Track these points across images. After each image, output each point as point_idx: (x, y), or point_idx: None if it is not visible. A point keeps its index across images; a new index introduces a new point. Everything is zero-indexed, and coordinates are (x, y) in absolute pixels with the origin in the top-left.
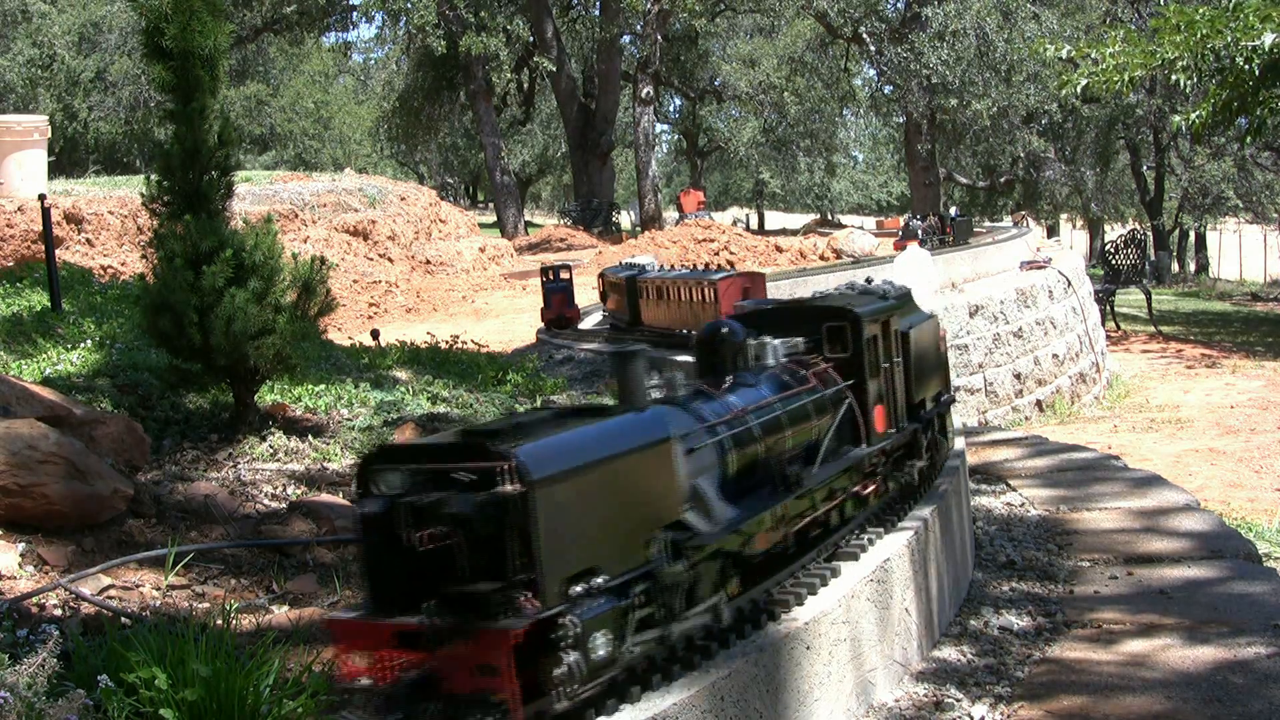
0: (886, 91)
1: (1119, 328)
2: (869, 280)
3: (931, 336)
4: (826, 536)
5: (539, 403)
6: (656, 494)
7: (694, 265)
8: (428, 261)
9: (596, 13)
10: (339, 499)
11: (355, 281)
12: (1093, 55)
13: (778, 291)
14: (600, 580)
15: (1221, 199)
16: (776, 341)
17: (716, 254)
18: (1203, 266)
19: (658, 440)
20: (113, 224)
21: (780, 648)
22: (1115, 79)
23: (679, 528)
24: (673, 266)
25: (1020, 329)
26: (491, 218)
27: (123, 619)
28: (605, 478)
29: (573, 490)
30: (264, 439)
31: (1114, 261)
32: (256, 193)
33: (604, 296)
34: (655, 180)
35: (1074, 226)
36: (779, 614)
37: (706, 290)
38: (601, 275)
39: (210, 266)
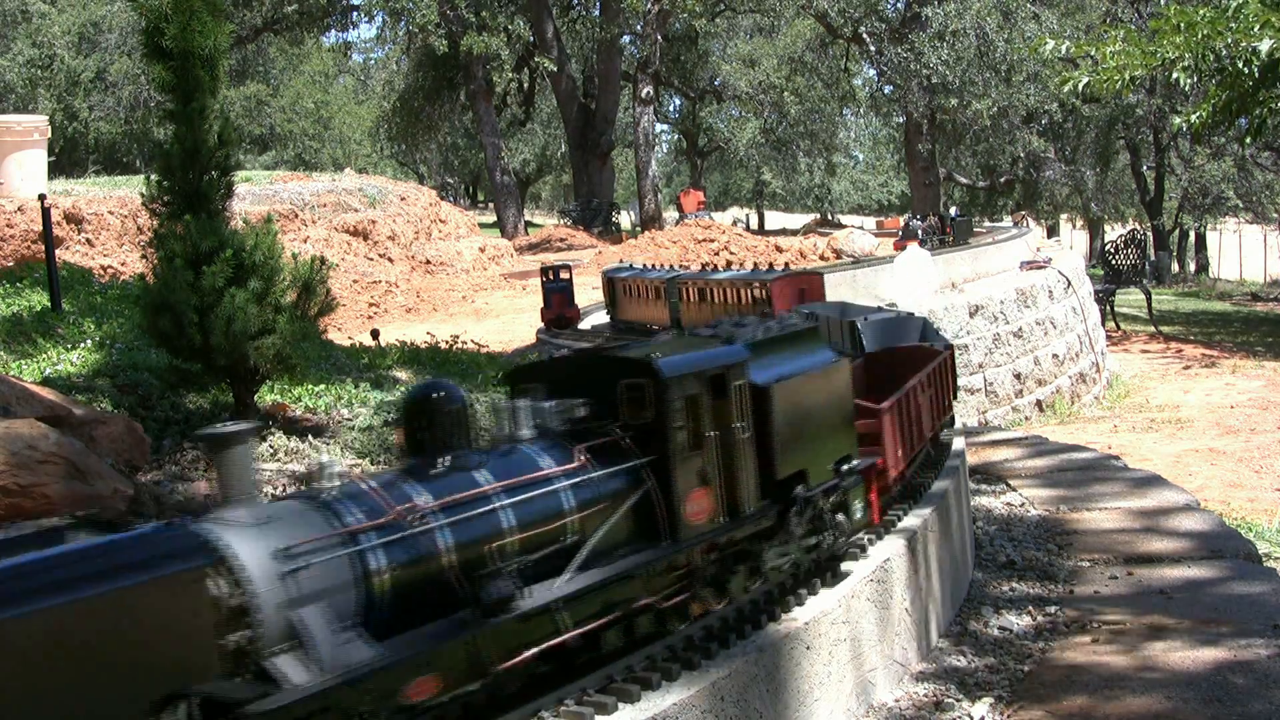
0: (886, 91)
1: (1119, 328)
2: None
3: (829, 386)
4: (600, 665)
5: None
6: (163, 648)
7: (721, 265)
8: (428, 261)
9: (596, 13)
10: None
11: (355, 281)
12: (1093, 55)
13: (836, 293)
14: None
15: (1221, 199)
16: (549, 404)
17: (716, 254)
18: (1203, 266)
19: (169, 572)
20: (113, 224)
21: (780, 648)
22: (1116, 78)
23: (260, 680)
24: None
25: (1020, 329)
26: (491, 218)
27: None
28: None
29: None
30: (264, 439)
31: (1114, 261)
32: (256, 193)
33: (614, 301)
34: (655, 180)
35: (1074, 226)
36: (779, 614)
37: (758, 292)
38: (611, 279)
39: (210, 266)
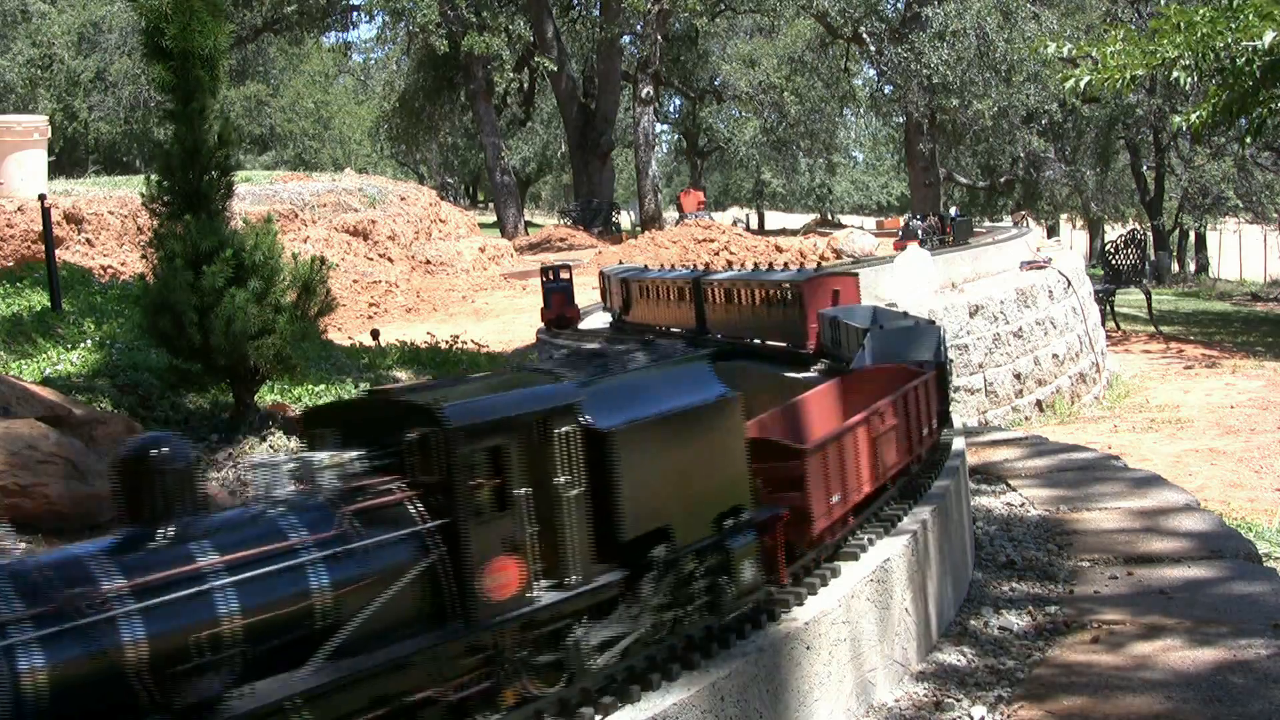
0: (886, 91)
1: (1119, 328)
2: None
3: (711, 427)
4: None
5: None
6: None
7: (721, 266)
8: (428, 261)
9: (597, 13)
10: None
11: (355, 281)
12: (1093, 55)
13: (872, 295)
14: None
15: (1221, 199)
16: (317, 457)
17: (716, 254)
18: (1203, 266)
19: None
20: (113, 224)
21: (780, 648)
22: (1116, 78)
23: None
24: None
25: (1020, 329)
26: (491, 218)
27: None
28: None
29: None
30: (264, 439)
31: (1114, 261)
32: (256, 193)
33: (628, 304)
34: (655, 180)
35: (1074, 226)
36: (779, 614)
37: (788, 293)
38: (625, 280)
39: (210, 266)
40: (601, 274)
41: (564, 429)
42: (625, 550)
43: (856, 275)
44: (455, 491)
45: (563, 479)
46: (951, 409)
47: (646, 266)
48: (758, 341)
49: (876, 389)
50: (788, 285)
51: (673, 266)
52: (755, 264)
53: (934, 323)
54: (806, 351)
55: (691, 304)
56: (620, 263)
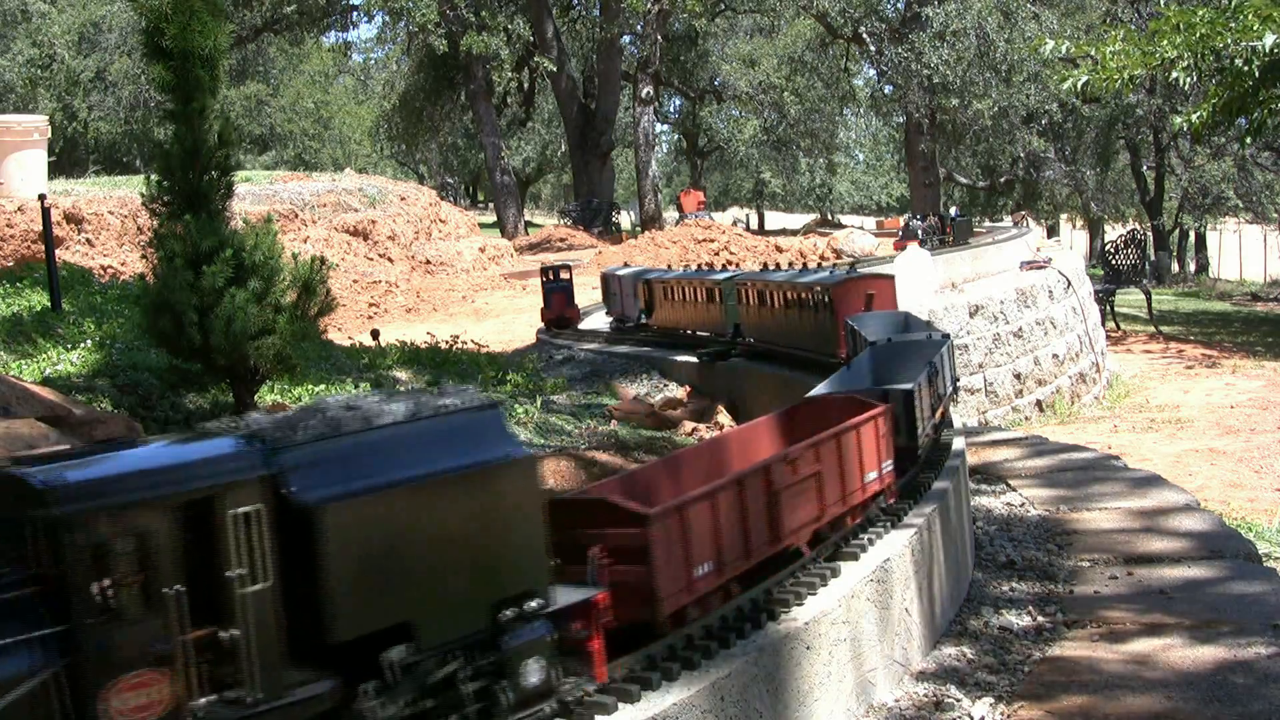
0: (887, 91)
1: (1119, 328)
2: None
3: (487, 495)
4: None
5: (539, 403)
6: None
7: (721, 266)
8: (428, 261)
9: (597, 13)
10: None
11: (355, 281)
12: (1092, 55)
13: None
14: None
15: (1221, 199)
16: None
17: (716, 254)
18: (1203, 266)
19: None
20: (113, 224)
21: (780, 647)
22: (1116, 78)
23: None
24: (647, 268)
25: (1020, 329)
26: (491, 218)
27: None
28: None
29: None
30: None
31: (1114, 261)
32: (256, 193)
33: (650, 305)
34: (655, 180)
35: (1074, 226)
36: (779, 614)
37: (819, 296)
38: (648, 280)
39: (210, 266)
40: (604, 275)
41: (246, 508)
42: (342, 654)
43: (892, 279)
44: (70, 590)
45: (240, 571)
46: (951, 409)
47: (648, 267)
48: (792, 350)
49: (822, 427)
50: (819, 288)
51: (669, 266)
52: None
53: (947, 336)
54: (839, 360)
55: (722, 306)
56: (626, 264)
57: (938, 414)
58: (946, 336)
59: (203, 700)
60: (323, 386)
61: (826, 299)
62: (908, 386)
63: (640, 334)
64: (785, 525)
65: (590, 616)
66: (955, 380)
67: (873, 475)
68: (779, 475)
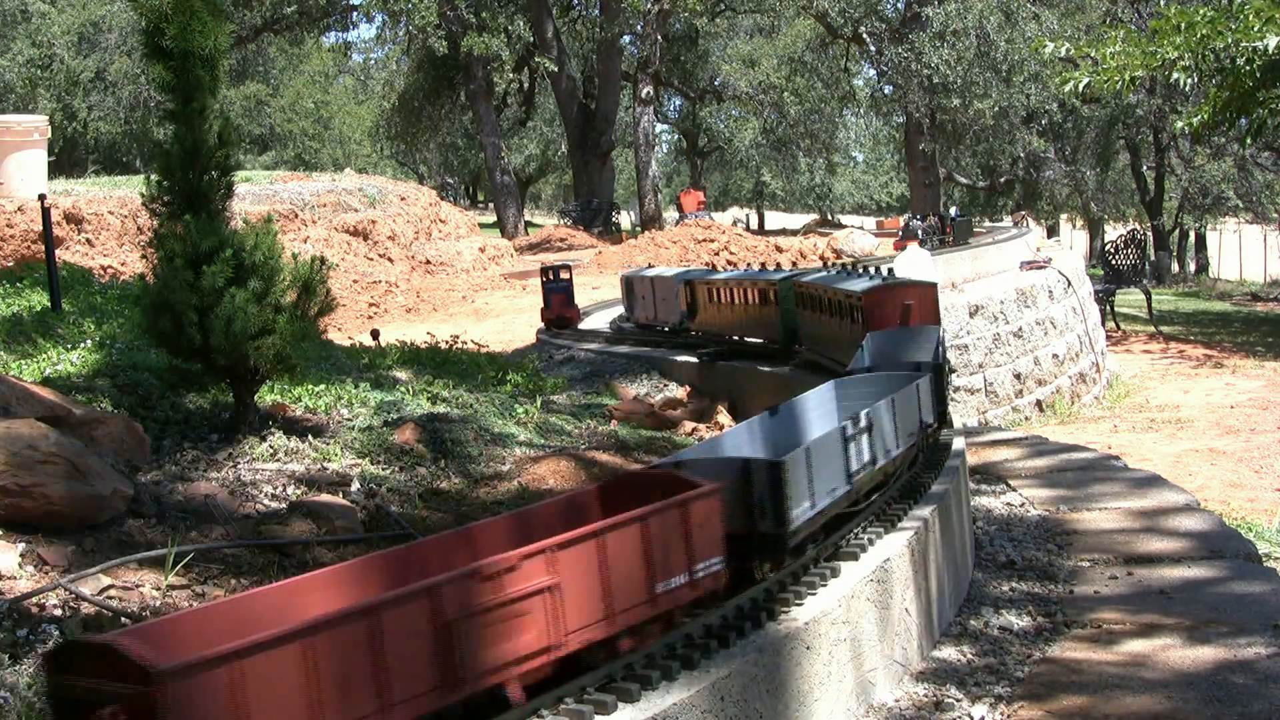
0: (887, 91)
1: (1119, 328)
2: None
3: None
4: None
5: (539, 403)
6: None
7: (721, 266)
8: (428, 261)
9: (597, 13)
10: (339, 499)
11: (355, 281)
12: (1092, 55)
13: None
14: None
15: (1221, 199)
16: None
17: (716, 254)
18: (1203, 266)
19: None
20: (113, 224)
21: (780, 648)
22: (1116, 78)
23: None
24: (649, 266)
25: (1020, 329)
26: (491, 218)
27: (123, 619)
28: None
29: None
30: (264, 439)
31: (1114, 261)
32: (256, 193)
33: (694, 308)
34: (655, 180)
35: (1074, 226)
36: (779, 614)
37: (851, 304)
38: (690, 281)
39: (210, 266)
40: (626, 278)
41: None
42: None
43: (934, 286)
44: None
45: None
46: (951, 409)
47: (649, 265)
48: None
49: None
50: (855, 295)
51: (669, 266)
52: (764, 264)
53: (942, 367)
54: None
55: (778, 309)
56: (631, 265)
57: (857, 479)
58: (928, 366)
59: None
60: (323, 386)
61: (857, 308)
62: (773, 459)
63: (680, 338)
64: (477, 662)
65: None
66: (942, 409)
67: (677, 581)
68: (463, 596)
